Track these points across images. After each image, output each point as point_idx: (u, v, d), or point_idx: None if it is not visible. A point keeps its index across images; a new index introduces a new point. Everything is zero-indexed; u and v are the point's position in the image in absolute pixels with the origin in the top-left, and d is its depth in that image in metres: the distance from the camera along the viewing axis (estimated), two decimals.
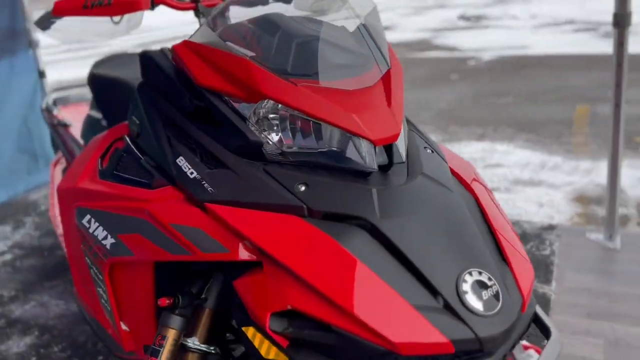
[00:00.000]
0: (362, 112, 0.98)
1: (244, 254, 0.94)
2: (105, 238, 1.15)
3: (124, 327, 1.24)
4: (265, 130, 1.01)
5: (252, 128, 1.01)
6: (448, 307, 0.85)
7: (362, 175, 0.99)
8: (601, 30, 8.26)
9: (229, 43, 1.04)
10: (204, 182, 1.01)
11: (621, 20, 2.08)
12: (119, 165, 1.22)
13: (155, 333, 1.22)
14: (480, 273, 0.89)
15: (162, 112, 1.16)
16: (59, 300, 2.31)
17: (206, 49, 1.05)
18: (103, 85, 2.04)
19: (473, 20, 11.33)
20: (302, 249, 0.89)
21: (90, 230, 1.19)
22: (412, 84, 5.76)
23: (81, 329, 2.08)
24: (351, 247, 0.88)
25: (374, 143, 0.97)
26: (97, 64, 2.16)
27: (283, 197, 0.95)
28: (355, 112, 0.97)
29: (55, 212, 2.33)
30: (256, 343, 0.96)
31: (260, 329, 0.94)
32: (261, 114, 1.01)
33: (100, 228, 1.16)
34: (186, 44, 1.08)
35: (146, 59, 1.19)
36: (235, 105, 1.03)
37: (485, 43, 8.10)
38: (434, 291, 0.86)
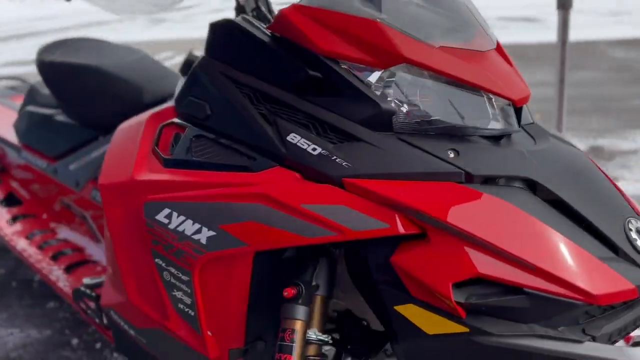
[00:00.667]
0: (497, 74, 0.97)
1: (402, 227, 0.88)
2: (198, 232, 1.01)
3: (209, 332, 1.10)
4: (397, 98, 0.96)
5: (382, 96, 0.95)
6: (624, 255, 0.88)
7: (495, 139, 0.98)
8: None
9: (355, 4, 0.96)
10: (335, 157, 0.94)
11: (565, 2, 2.29)
12: (190, 151, 1.08)
13: (244, 334, 1.11)
14: (637, 221, 0.93)
15: (247, 87, 1.04)
16: (12, 328, 1.97)
17: (327, 13, 0.96)
18: (62, 74, 1.79)
19: None
20: (475, 213, 0.86)
21: (172, 226, 1.04)
22: None
23: (58, 355, 1.81)
24: (524, 207, 0.87)
25: (515, 103, 0.97)
26: (45, 51, 1.89)
27: (437, 165, 0.91)
28: (492, 74, 0.96)
29: (0, 224, 2.00)
30: (416, 321, 0.91)
31: (425, 304, 0.89)
32: (393, 80, 0.96)
33: (189, 222, 1.02)
34: (299, 9, 0.98)
35: (225, 29, 1.07)
36: (358, 73, 0.96)
37: None
38: (606, 241, 0.89)
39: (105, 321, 1.43)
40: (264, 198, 0.95)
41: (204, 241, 1.01)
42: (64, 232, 1.93)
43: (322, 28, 0.96)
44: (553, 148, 0.98)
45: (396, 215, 0.88)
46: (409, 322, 0.92)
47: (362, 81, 0.96)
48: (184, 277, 1.07)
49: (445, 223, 0.86)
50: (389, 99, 0.95)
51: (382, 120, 0.95)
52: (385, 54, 0.93)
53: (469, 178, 0.90)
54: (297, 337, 0.98)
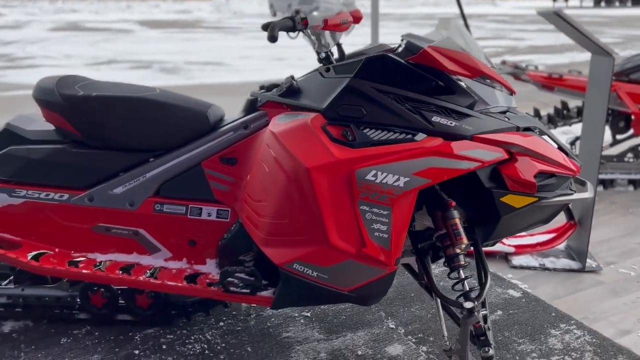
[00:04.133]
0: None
1: (506, 154, 1.76)
2: (397, 180, 1.66)
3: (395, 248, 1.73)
4: (477, 93, 1.83)
5: (473, 92, 1.81)
6: (570, 155, 1.95)
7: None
8: (155, 67, 9.67)
9: (459, 45, 1.78)
10: (464, 125, 1.75)
11: None
12: (365, 136, 1.71)
13: (403, 246, 1.79)
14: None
15: (392, 94, 1.75)
16: None
17: (447, 50, 1.76)
18: (104, 106, 1.96)
19: (5, 60, 10.79)
20: (532, 144, 1.79)
21: (377, 181, 1.66)
22: None
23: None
24: (544, 139, 1.87)
25: (514, 93, 1.96)
26: (61, 87, 1.99)
27: (506, 124, 1.82)
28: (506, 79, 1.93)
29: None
30: (512, 202, 1.80)
31: (516, 192, 1.78)
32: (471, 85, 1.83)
33: (390, 175, 1.66)
34: (434, 49, 1.74)
35: (379, 60, 1.74)
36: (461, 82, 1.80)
37: None
38: (564, 150, 1.94)
39: (249, 287, 1.84)
40: (435, 152, 1.69)
41: (401, 185, 1.67)
42: (100, 257, 2.03)
43: (445, 57, 1.77)
44: (529, 115, 2.01)
45: (503, 149, 1.76)
46: (508, 205, 1.80)
47: (464, 85, 1.80)
48: (384, 212, 1.69)
49: (526, 148, 1.78)
50: (475, 94, 1.82)
51: (473, 106, 1.81)
52: (474, 70, 1.80)
53: (518, 129, 1.85)
54: (460, 226, 1.76)
